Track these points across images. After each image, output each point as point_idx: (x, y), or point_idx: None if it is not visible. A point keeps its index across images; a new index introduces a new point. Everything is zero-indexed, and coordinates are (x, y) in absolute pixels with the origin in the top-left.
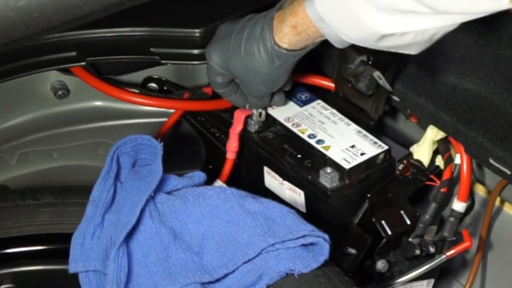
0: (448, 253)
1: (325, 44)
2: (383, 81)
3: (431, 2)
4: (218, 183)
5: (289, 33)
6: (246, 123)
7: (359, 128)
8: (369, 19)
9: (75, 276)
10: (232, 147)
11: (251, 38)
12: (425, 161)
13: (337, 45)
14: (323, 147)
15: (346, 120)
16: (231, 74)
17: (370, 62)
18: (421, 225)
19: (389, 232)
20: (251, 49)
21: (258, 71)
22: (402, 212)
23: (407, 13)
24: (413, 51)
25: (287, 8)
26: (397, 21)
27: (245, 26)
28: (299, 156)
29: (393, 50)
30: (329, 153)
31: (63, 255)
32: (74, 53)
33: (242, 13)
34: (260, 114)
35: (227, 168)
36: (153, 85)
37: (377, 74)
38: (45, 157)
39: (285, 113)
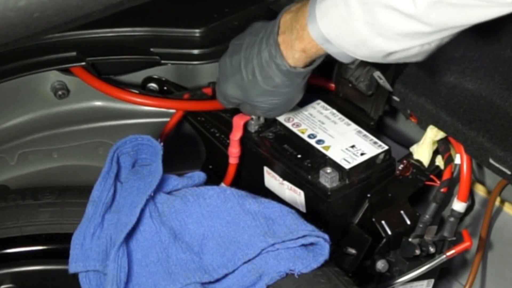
0: (448, 253)
1: None
2: (383, 81)
3: (431, 20)
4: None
5: (300, 57)
6: (245, 127)
7: (359, 128)
8: (373, 39)
9: (75, 276)
10: (233, 152)
11: (263, 65)
12: (425, 161)
13: (345, 61)
14: (323, 147)
15: (346, 120)
16: (242, 100)
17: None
18: (421, 225)
19: (389, 232)
20: (268, 75)
21: (280, 93)
22: (402, 212)
23: (411, 34)
24: (419, 59)
25: (290, 33)
26: (402, 41)
27: (250, 56)
28: (299, 156)
29: (400, 62)
30: (329, 153)
31: (63, 255)
32: (74, 53)
33: (242, 13)
34: (259, 117)
35: (230, 172)
36: (153, 85)
37: (377, 74)
38: (45, 157)
39: (285, 113)
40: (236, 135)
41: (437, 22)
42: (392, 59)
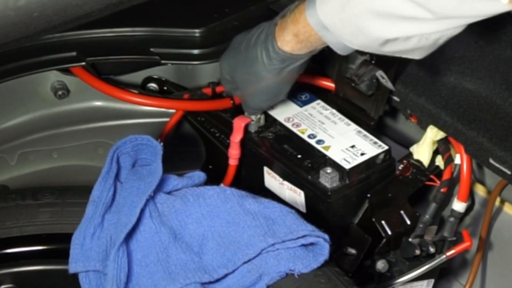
0: (448, 253)
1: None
2: (386, 81)
3: (432, 6)
4: None
5: (291, 41)
6: (246, 129)
7: (359, 128)
8: (372, 25)
9: (75, 276)
10: (234, 154)
11: (257, 44)
12: (425, 161)
13: (340, 52)
14: (323, 147)
15: (346, 120)
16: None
17: (373, 62)
18: (421, 225)
19: (389, 232)
20: (254, 54)
21: (260, 77)
22: (402, 212)
23: (410, 19)
24: (417, 56)
25: (288, 16)
26: (400, 26)
27: (254, 34)
28: (299, 156)
29: (397, 55)
30: (329, 153)
31: (63, 255)
32: (74, 53)
33: (242, 13)
34: (259, 119)
35: (230, 173)
36: (153, 85)
37: (380, 73)
38: (45, 157)
39: (285, 113)
40: (236, 137)
41: (438, 10)
42: (389, 50)
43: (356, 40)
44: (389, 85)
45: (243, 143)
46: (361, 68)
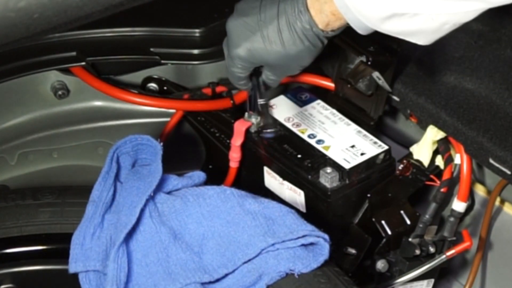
0: (448, 253)
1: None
2: (382, 82)
3: None
4: None
5: (330, 21)
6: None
7: (359, 128)
8: None
9: (75, 276)
10: (234, 157)
11: (288, 29)
12: (425, 161)
13: (361, 31)
14: (323, 147)
15: (346, 120)
16: (257, 64)
17: (369, 63)
18: (421, 225)
19: (389, 232)
20: (293, 40)
21: (300, 57)
22: (402, 212)
23: None
24: (420, 40)
25: None
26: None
27: (269, 18)
28: (299, 156)
29: (400, 37)
30: (329, 153)
31: (63, 255)
32: (74, 53)
33: None
34: (260, 122)
35: (231, 175)
36: (153, 85)
37: (376, 74)
38: (45, 157)
39: (285, 113)
40: (237, 140)
41: None
42: (392, 28)
43: (364, 8)
44: (385, 86)
45: (243, 144)
46: (357, 69)
